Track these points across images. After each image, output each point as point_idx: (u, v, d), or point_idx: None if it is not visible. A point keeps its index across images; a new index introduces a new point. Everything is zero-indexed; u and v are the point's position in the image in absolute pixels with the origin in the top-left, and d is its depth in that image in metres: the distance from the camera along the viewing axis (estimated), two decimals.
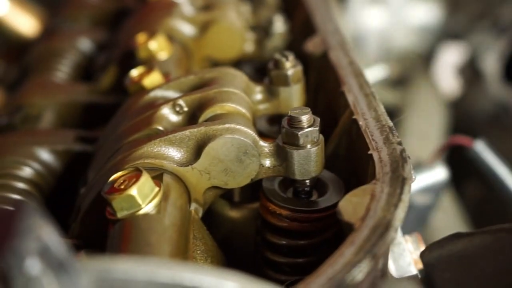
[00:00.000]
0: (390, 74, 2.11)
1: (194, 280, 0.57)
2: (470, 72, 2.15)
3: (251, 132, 0.84)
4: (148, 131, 0.89)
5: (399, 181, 0.76)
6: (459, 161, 1.54)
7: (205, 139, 0.84)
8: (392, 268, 0.93)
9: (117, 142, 0.90)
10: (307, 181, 0.85)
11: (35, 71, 1.34)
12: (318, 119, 0.84)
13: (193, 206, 0.85)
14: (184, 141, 0.85)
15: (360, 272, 0.66)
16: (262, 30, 1.27)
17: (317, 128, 0.83)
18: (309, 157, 0.83)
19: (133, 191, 0.75)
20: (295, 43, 1.24)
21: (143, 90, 0.99)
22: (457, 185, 1.85)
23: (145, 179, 0.76)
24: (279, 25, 1.26)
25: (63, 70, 1.34)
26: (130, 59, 1.16)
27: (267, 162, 0.85)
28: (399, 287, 0.80)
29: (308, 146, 0.83)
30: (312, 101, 1.08)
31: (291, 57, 1.00)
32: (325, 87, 1.08)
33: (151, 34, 1.15)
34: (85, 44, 1.40)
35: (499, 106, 2.01)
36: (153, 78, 1.02)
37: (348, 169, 0.92)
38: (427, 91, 2.14)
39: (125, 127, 0.92)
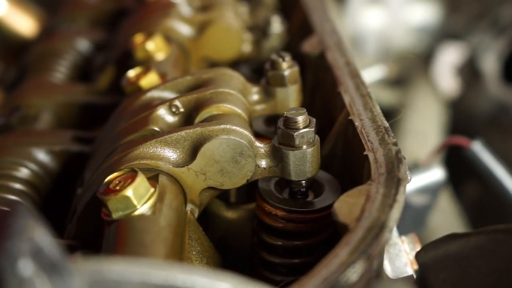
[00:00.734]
0: (389, 74, 2.10)
1: (187, 281, 0.57)
2: (469, 72, 2.15)
3: (247, 133, 0.84)
4: (144, 131, 0.89)
5: (394, 182, 0.76)
6: (456, 161, 1.54)
7: (201, 140, 0.84)
8: (388, 268, 0.93)
9: (113, 143, 0.90)
10: (303, 181, 0.85)
11: (33, 72, 1.34)
12: (314, 120, 0.84)
13: (189, 207, 0.85)
14: (180, 142, 0.85)
15: (354, 273, 0.66)
16: (260, 31, 1.27)
17: (312, 129, 0.83)
18: (304, 158, 0.83)
19: (129, 192, 0.75)
20: (292, 43, 1.24)
21: (140, 91, 0.99)
22: (455, 185, 1.85)
23: (141, 180, 0.76)
24: (277, 25, 1.26)
25: (61, 71, 1.34)
26: (127, 59, 1.17)
27: (263, 163, 0.85)
28: (394, 287, 0.80)
29: (304, 147, 0.83)
30: (309, 102, 1.08)
31: (287, 57, 1.00)
32: (322, 88, 1.08)
33: (149, 35, 1.15)
34: (83, 44, 1.40)
35: (498, 106, 2.01)
36: (150, 79, 1.02)
37: (345, 169, 0.92)
38: (426, 91, 2.15)
39: (122, 128, 0.92)
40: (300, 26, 1.25)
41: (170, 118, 0.91)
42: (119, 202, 0.75)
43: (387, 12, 2.28)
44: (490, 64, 2.04)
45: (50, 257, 0.51)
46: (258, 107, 0.99)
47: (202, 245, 0.86)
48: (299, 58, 1.06)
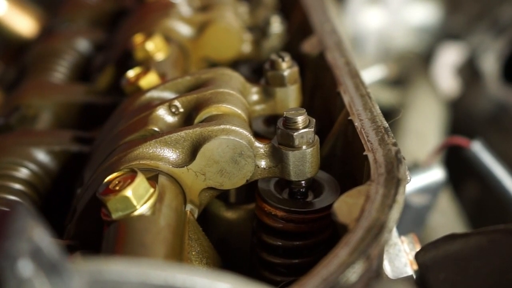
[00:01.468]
0: (389, 74, 2.10)
1: (186, 281, 0.57)
2: (469, 72, 2.15)
3: (247, 133, 0.84)
4: (143, 132, 0.89)
5: (394, 182, 0.76)
6: (456, 161, 1.54)
7: (200, 140, 0.84)
8: (388, 269, 0.93)
9: (113, 143, 0.90)
10: (303, 182, 0.85)
11: (33, 72, 1.34)
12: (314, 120, 0.84)
13: (189, 207, 0.85)
14: (180, 142, 0.85)
15: (354, 273, 0.66)
16: (259, 31, 1.27)
17: (312, 129, 0.83)
18: (304, 158, 0.83)
19: (128, 192, 0.75)
20: (292, 43, 1.24)
21: (140, 91, 0.99)
22: (455, 185, 1.85)
23: (140, 180, 0.76)
24: (276, 25, 1.26)
25: (60, 71, 1.34)
26: (127, 59, 1.17)
27: (263, 163, 0.85)
28: (394, 287, 0.80)
29: (304, 147, 0.83)
30: (309, 102, 1.08)
31: (287, 57, 1.00)
32: (322, 88, 1.08)
33: (148, 35, 1.15)
34: (82, 44, 1.40)
35: (498, 106, 2.01)
36: (150, 79, 1.02)
37: (344, 169, 0.92)
38: (426, 91, 2.14)
39: (121, 128, 0.92)
40: (300, 26, 1.25)
41: (170, 118, 0.91)
42: (119, 203, 0.75)
43: (387, 12, 2.28)
44: (490, 64, 2.04)
45: (50, 257, 0.51)
46: (258, 107, 1.00)
47: (201, 245, 0.86)
48: (299, 58, 1.06)
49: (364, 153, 0.82)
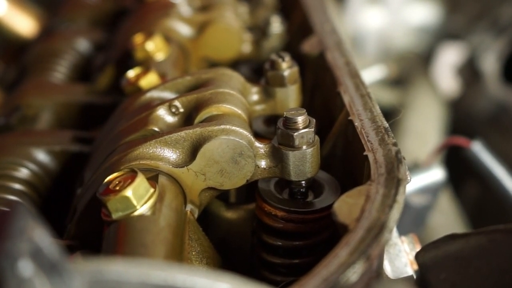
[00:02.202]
0: (389, 74, 2.11)
1: (187, 281, 0.57)
2: (469, 72, 2.15)
3: (247, 133, 0.84)
4: (144, 132, 0.89)
5: (394, 182, 0.76)
6: (456, 161, 1.54)
7: (200, 140, 0.84)
8: (388, 269, 0.93)
9: (113, 143, 0.90)
10: (303, 182, 0.85)
11: (33, 72, 1.34)
12: (314, 120, 0.84)
13: (189, 207, 0.85)
14: (180, 142, 0.85)
15: (354, 273, 0.66)
16: (260, 31, 1.27)
17: (312, 129, 0.83)
18: (304, 158, 0.83)
19: (128, 192, 0.75)
20: (292, 43, 1.24)
21: (140, 91, 0.99)
22: (455, 185, 1.85)
23: (140, 180, 0.76)
24: (276, 25, 1.26)
25: (60, 71, 1.34)
26: (127, 59, 1.17)
27: (263, 163, 0.85)
28: None
29: (304, 147, 0.83)
30: (309, 102, 1.08)
31: (287, 57, 1.00)
32: (322, 88, 1.08)
33: (148, 35, 1.15)
34: (82, 44, 1.40)
35: (498, 106, 2.01)
36: (150, 79, 1.02)
37: (345, 169, 0.92)
38: (426, 91, 2.15)
39: (121, 128, 0.92)
40: (300, 26, 1.25)
41: (170, 118, 0.91)
42: (119, 203, 0.75)
43: (387, 12, 2.28)
44: (490, 64, 2.04)
45: (50, 258, 0.51)
46: (258, 107, 1.00)
47: (202, 245, 0.86)
48: (299, 58, 1.06)
49: (364, 153, 0.82)
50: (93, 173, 0.89)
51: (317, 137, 0.85)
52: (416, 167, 1.36)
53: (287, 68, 0.99)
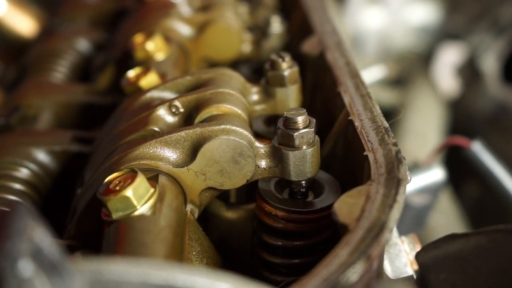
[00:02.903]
0: (389, 74, 2.11)
1: (187, 281, 0.57)
2: (469, 72, 2.15)
3: (247, 133, 0.84)
4: (144, 132, 0.89)
5: (394, 182, 0.76)
6: (456, 161, 1.54)
7: (200, 140, 0.84)
8: (388, 269, 0.93)
9: (113, 143, 0.90)
10: (303, 182, 0.85)
11: (33, 72, 1.34)
12: (314, 120, 0.84)
13: (189, 207, 0.85)
14: (180, 142, 0.85)
15: (354, 273, 0.66)
16: (260, 31, 1.27)
17: (312, 129, 0.83)
18: (304, 158, 0.83)
19: (128, 192, 0.75)
20: (292, 43, 1.24)
21: (140, 91, 0.99)
22: (455, 185, 1.85)
23: (141, 180, 0.76)
24: (277, 25, 1.26)
25: (60, 71, 1.34)
26: (127, 59, 1.17)
27: (263, 163, 0.85)
28: None
29: (304, 147, 0.83)
30: (309, 102, 1.08)
31: (287, 58, 1.00)
32: (322, 88, 1.08)
33: (149, 35, 1.15)
34: (82, 44, 1.40)
35: (498, 106, 2.01)
36: (150, 79, 1.02)
37: (345, 169, 0.92)
38: (426, 91, 2.15)
39: (121, 128, 0.92)
40: (300, 26, 1.25)
41: (170, 118, 0.91)
42: (119, 203, 0.75)
43: (387, 12, 2.28)
44: (490, 64, 2.04)
45: (50, 258, 0.51)
46: (258, 107, 1.00)
47: (202, 245, 0.86)
48: (299, 58, 1.06)
49: (365, 153, 0.82)
50: (93, 173, 0.89)
51: (317, 137, 0.85)
52: (416, 167, 1.36)
53: (287, 68, 0.99)
